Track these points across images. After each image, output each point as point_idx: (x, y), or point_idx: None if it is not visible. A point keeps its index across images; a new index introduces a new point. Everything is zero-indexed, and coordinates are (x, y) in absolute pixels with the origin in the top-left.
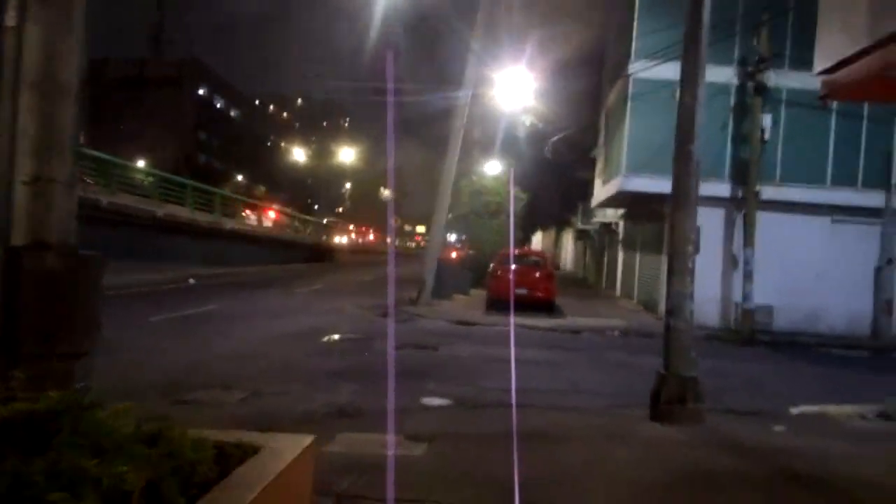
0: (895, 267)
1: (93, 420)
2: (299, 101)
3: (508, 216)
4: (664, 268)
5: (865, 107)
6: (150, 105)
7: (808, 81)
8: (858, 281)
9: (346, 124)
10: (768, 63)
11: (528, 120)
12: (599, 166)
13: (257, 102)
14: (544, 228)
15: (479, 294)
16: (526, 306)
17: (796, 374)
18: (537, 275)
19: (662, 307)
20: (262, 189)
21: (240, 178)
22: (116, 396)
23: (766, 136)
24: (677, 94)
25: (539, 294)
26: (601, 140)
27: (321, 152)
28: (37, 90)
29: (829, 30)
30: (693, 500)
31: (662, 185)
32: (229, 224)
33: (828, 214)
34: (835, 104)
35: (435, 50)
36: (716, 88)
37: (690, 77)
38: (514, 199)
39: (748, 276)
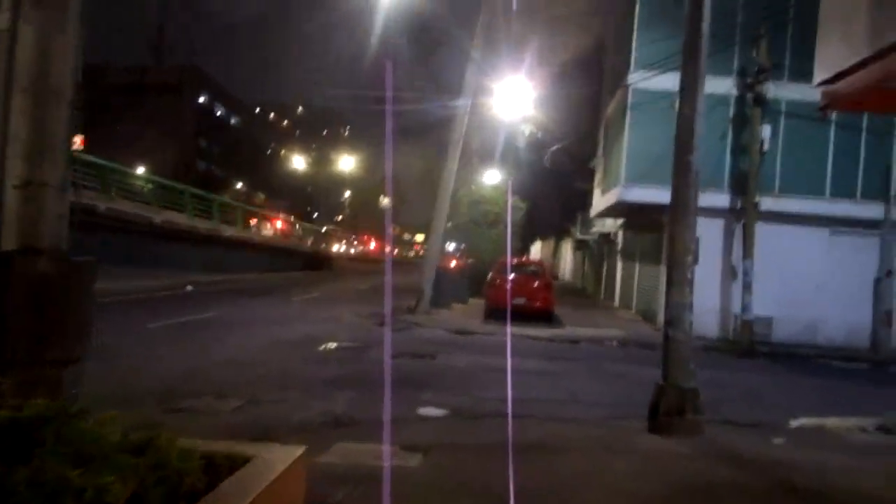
0: (894, 279)
1: (79, 429)
2: (300, 109)
3: (507, 225)
4: (663, 278)
5: (864, 118)
6: (150, 112)
7: (808, 93)
8: (857, 293)
9: (346, 133)
10: (767, 74)
11: (527, 129)
12: (598, 176)
13: (257, 110)
14: (543, 238)
15: (477, 303)
16: (524, 316)
17: (795, 385)
18: (536, 284)
19: (661, 318)
20: (261, 196)
21: (239, 185)
22: (112, 403)
23: (766, 147)
24: (677, 105)
25: (537, 304)
26: (600, 150)
27: (321, 160)
28: (29, 93)
29: (828, 41)
30: None
31: (661, 196)
32: (228, 231)
33: (827, 226)
34: (834, 116)
35: (435, 58)
36: (715, 99)
37: (690, 88)
38: (511, 209)
39: (747, 287)
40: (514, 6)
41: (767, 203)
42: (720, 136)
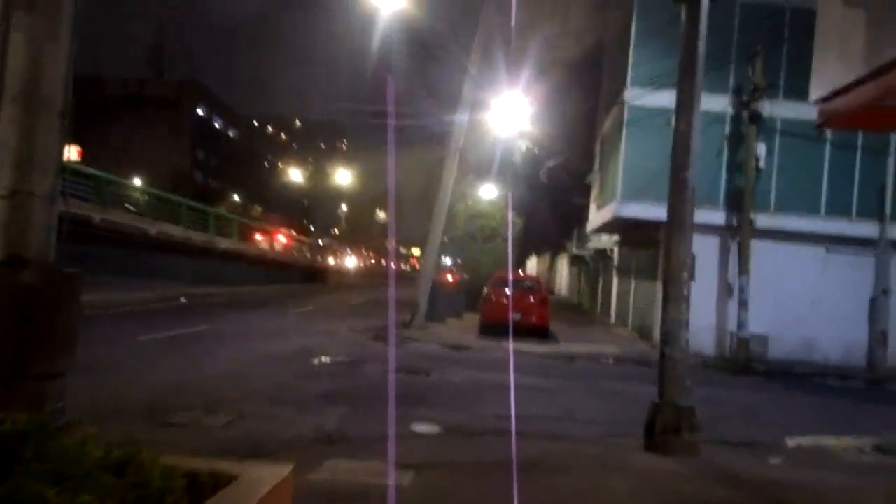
0: (890, 298)
1: (59, 445)
2: (297, 122)
3: (503, 240)
4: (659, 295)
5: (859, 137)
6: (148, 124)
7: (803, 111)
8: (853, 311)
9: (344, 146)
10: (763, 92)
11: (524, 145)
12: (595, 192)
13: (255, 123)
14: (539, 253)
15: (472, 318)
16: (520, 331)
17: (792, 404)
18: (531, 300)
19: (657, 334)
20: (258, 209)
21: (236, 197)
22: (100, 417)
23: (761, 164)
24: (673, 122)
25: (533, 319)
26: (596, 166)
27: (318, 174)
28: (19, 101)
29: (825, 58)
30: None
31: (657, 212)
32: (223, 243)
33: (822, 244)
34: (829, 134)
35: (432, 73)
36: (711, 117)
37: (686, 105)
38: (511, 224)
39: (743, 305)
40: (512, 23)
41: (763, 220)
42: (716, 154)
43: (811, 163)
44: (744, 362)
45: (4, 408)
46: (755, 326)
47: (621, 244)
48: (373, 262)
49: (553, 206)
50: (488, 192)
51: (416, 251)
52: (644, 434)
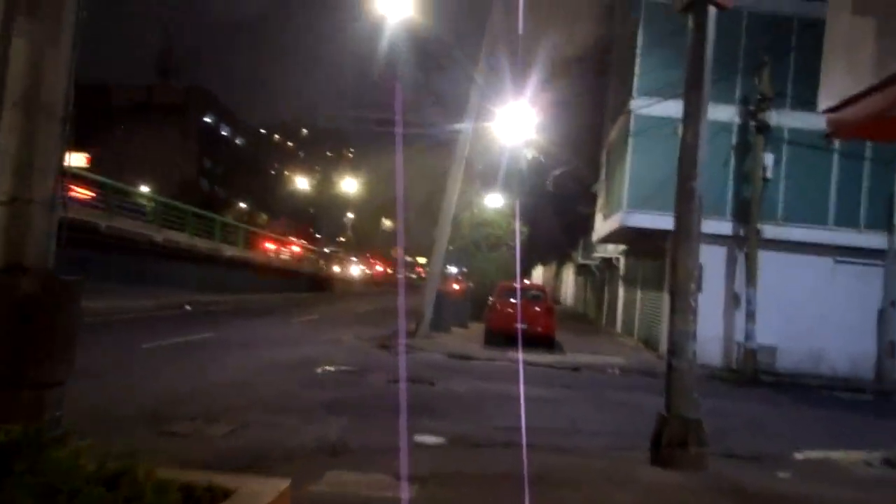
0: None
1: (52, 458)
2: (304, 130)
3: (509, 248)
4: (665, 305)
5: (868, 147)
6: (155, 131)
7: (810, 121)
8: (861, 323)
9: (350, 154)
10: (770, 102)
11: (529, 153)
12: (601, 201)
13: (262, 131)
14: (545, 262)
15: (478, 327)
16: (525, 341)
17: (799, 416)
18: (537, 309)
19: (663, 345)
20: (264, 217)
21: (242, 205)
22: (100, 426)
23: (768, 174)
24: (679, 131)
25: (538, 329)
26: (602, 175)
27: (324, 181)
28: (19, 107)
29: (833, 68)
30: None
31: (664, 222)
32: (229, 251)
33: (830, 255)
34: (837, 144)
35: (438, 81)
36: (718, 127)
37: (693, 115)
38: (518, 233)
39: (750, 316)
40: (519, 31)
41: (770, 231)
42: (723, 164)
43: (819, 173)
44: (751, 374)
45: (2, 417)
46: (762, 337)
47: (627, 254)
48: (379, 270)
49: (559, 214)
50: (494, 200)
51: (422, 260)
52: (650, 447)
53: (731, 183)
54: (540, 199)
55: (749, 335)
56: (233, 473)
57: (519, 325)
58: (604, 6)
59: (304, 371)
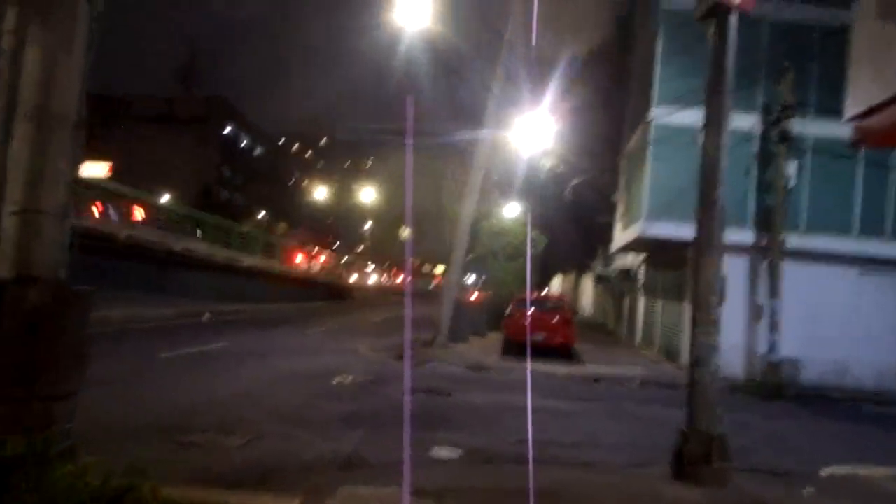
0: None
1: (56, 473)
2: (323, 140)
3: (527, 257)
4: (686, 316)
5: (894, 156)
6: (176, 141)
7: (834, 129)
8: (887, 334)
9: (369, 163)
10: (792, 110)
11: (548, 162)
12: (620, 210)
13: (281, 141)
14: (564, 272)
15: (496, 337)
16: (543, 352)
17: (824, 430)
18: (555, 320)
19: (684, 356)
20: (283, 226)
21: (262, 213)
22: (115, 436)
23: (791, 183)
24: (699, 140)
25: (557, 339)
26: (622, 184)
27: (343, 191)
28: (31, 117)
29: (861, 75)
30: None
31: (684, 232)
32: (247, 260)
33: (855, 265)
34: (862, 152)
35: (456, 89)
36: (739, 135)
37: (714, 124)
38: (530, 241)
39: (774, 327)
40: (534, 41)
41: (793, 241)
42: (744, 173)
43: (843, 182)
44: (775, 386)
45: (10, 429)
46: (786, 349)
47: (647, 264)
48: (397, 279)
49: (577, 224)
50: (511, 209)
51: (440, 269)
52: (672, 462)
53: (752, 192)
54: (558, 209)
55: (772, 347)
56: (245, 489)
57: (537, 336)
58: (622, 15)
59: (319, 382)
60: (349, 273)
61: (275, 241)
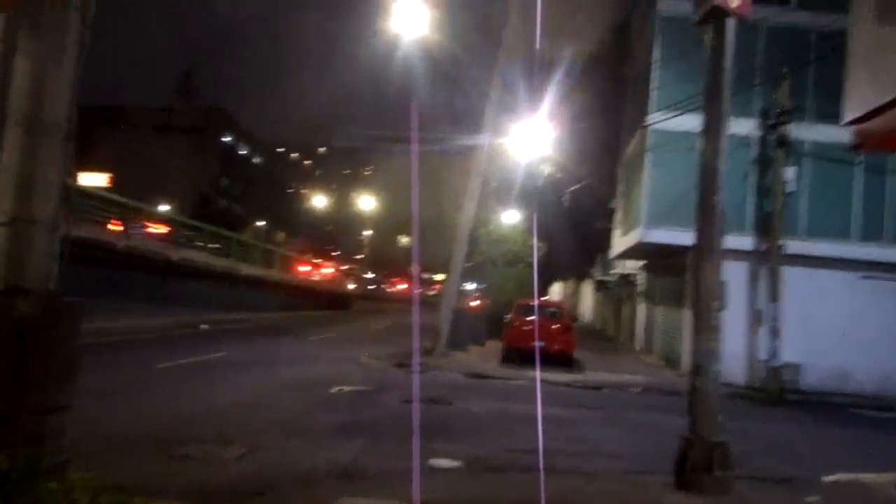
0: None
1: (42, 491)
2: (321, 148)
3: (526, 265)
4: (686, 322)
5: (893, 160)
6: (175, 151)
7: (832, 134)
8: (888, 339)
9: (368, 172)
10: (790, 115)
11: (546, 169)
12: (619, 217)
13: (280, 149)
14: (563, 278)
15: (495, 345)
16: (543, 359)
17: (826, 436)
18: (555, 326)
19: (684, 363)
20: (282, 235)
21: (261, 222)
22: (112, 448)
23: (789, 188)
24: (697, 145)
25: (557, 347)
26: (620, 190)
27: (342, 199)
28: (21, 126)
29: (858, 80)
30: None
31: (683, 237)
32: (246, 269)
33: (855, 270)
34: (861, 157)
35: (453, 96)
36: (737, 140)
37: (712, 129)
38: (536, 249)
39: (774, 333)
40: (536, 45)
41: (793, 246)
42: (742, 178)
43: (842, 186)
44: (775, 392)
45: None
46: (787, 354)
47: (646, 270)
48: (397, 287)
49: (576, 230)
50: (510, 216)
51: (439, 276)
52: (674, 470)
53: (750, 197)
54: (557, 216)
55: (773, 352)
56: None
57: (537, 343)
58: (620, 20)
59: (318, 391)
60: (349, 281)
61: (274, 249)
